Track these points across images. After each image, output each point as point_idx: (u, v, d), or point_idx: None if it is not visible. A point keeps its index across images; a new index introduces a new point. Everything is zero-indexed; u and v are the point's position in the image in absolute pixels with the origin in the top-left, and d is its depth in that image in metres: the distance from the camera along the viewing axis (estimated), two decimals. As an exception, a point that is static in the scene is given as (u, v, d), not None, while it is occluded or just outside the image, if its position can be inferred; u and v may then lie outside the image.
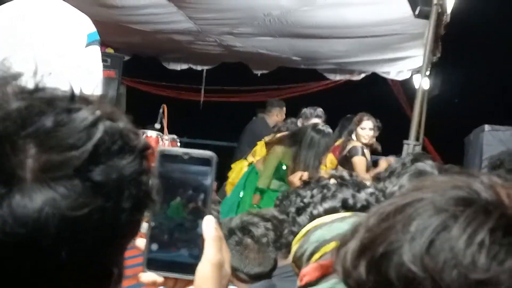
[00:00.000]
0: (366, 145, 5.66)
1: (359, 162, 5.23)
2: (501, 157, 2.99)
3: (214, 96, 9.92)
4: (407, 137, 4.54)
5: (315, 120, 5.15)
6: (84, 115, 0.65)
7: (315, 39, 7.02)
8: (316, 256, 1.42)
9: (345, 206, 1.49)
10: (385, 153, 5.85)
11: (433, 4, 4.58)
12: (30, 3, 3.27)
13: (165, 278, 0.87)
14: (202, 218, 0.86)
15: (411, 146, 4.43)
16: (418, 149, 4.54)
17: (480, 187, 0.68)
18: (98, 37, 3.39)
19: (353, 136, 5.54)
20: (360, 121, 5.55)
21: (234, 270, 2.23)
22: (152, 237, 0.86)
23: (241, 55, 8.35)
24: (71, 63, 3.27)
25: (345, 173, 1.57)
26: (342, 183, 1.53)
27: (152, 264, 0.86)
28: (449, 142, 9.87)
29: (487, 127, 8.09)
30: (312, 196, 1.52)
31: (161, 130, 5.91)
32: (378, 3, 5.51)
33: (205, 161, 0.87)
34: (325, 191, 1.51)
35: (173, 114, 6.07)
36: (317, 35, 6.75)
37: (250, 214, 2.61)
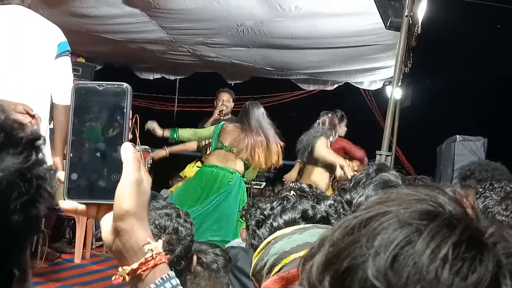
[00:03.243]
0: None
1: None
2: (471, 167, 3.02)
3: (188, 106, 9.89)
4: (379, 148, 4.54)
5: None
6: None
7: (289, 50, 7.05)
8: (276, 268, 1.38)
9: (305, 218, 1.47)
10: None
11: (404, 15, 4.62)
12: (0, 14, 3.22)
13: (87, 205, 0.88)
14: (120, 144, 0.87)
15: (383, 156, 4.44)
16: (390, 159, 4.54)
17: (445, 200, 0.67)
18: (68, 47, 3.37)
19: (335, 134, 5.71)
20: (341, 120, 5.96)
21: None
22: (71, 167, 0.87)
23: (214, 65, 8.33)
24: (42, 73, 3.24)
25: (304, 185, 1.56)
26: (301, 195, 1.51)
27: (72, 192, 0.88)
28: (421, 152, 9.98)
29: (458, 137, 8.20)
30: (272, 208, 1.50)
31: (133, 140, 5.86)
32: (350, 14, 5.55)
33: (120, 92, 0.89)
34: (284, 203, 1.50)
35: (146, 124, 6.03)
36: (290, 45, 6.78)
37: (197, 242, 2.57)
